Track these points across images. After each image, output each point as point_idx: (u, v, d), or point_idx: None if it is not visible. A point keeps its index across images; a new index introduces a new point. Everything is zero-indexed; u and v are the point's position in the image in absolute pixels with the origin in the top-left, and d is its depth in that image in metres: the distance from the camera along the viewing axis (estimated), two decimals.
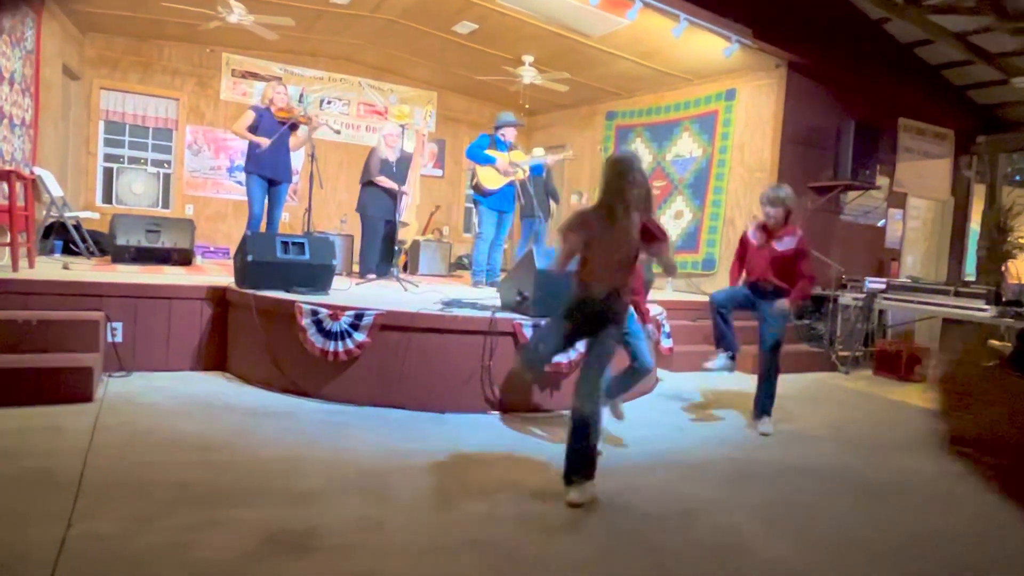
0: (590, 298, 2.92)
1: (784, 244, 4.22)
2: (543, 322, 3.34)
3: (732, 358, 4.49)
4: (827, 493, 3.27)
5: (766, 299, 4.29)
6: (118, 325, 4.48)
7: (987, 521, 3.07)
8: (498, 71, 8.40)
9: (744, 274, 4.46)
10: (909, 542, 2.77)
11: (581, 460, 2.87)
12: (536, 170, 7.12)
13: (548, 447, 3.67)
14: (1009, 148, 9.44)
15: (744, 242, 4.46)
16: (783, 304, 4.20)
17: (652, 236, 2.90)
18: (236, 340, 4.73)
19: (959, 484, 3.61)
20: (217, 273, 5.96)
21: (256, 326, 4.50)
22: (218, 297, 4.82)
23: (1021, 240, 9.59)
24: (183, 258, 6.70)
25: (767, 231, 4.30)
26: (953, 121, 8.76)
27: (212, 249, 8.60)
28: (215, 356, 4.79)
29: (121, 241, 6.41)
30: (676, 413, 4.70)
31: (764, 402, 4.36)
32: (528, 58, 8.15)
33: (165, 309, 4.66)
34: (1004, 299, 5.85)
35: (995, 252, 9.25)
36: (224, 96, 9.37)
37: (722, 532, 2.72)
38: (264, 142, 6.07)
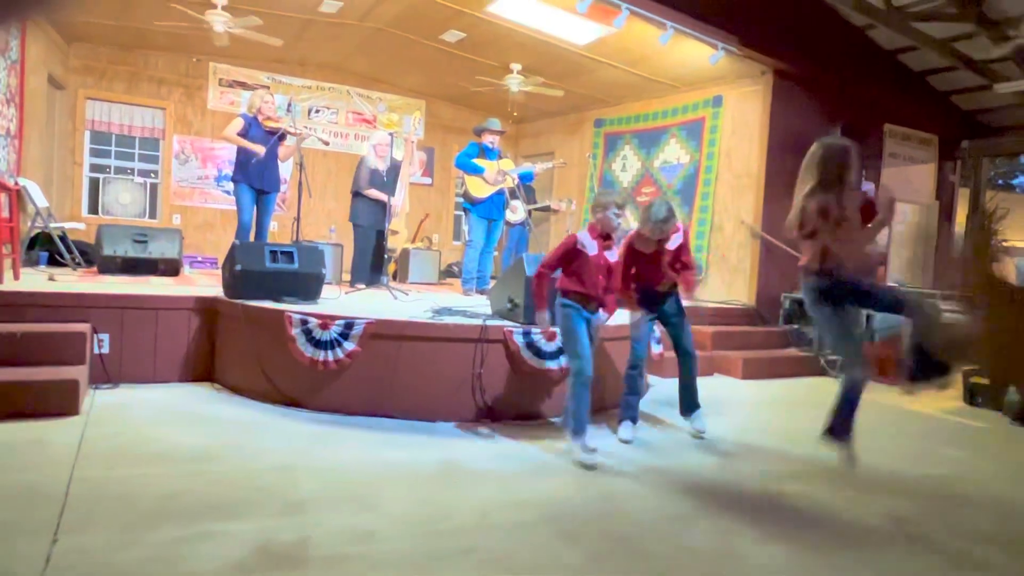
0: (842, 279, 3.18)
1: (674, 241, 4.08)
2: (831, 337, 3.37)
3: (635, 421, 4.21)
4: (819, 496, 3.27)
5: (665, 303, 4.19)
6: (105, 336, 4.44)
7: (982, 521, 3.09)
8: (486, 79, 8.43)
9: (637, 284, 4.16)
10: (903, 544, 2.78)
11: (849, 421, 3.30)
12: (526, 178, 7.14)
13: (539, 454, 3.66)
14: (992, 153, 9.56)
15: (633, 253, 4.08)
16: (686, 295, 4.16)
17: (870, 213, 3.23)
18: (225, 350, 4.69)
19: (956, 484, 3.63)
20: (205, 283, 5.93)
21: (245, 336, 4.47)
22: (206, 307, 4.79)
23: (1006, 243, 9.69)
24: (171, 268, 6.65)
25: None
26: (937, 126, 8.87)
27: (200, 259, 8.54)
28: (204, 367, 4.75)
29: (108, 251, 6.35)
30: (667, 419, 4.69)
31: (694, 399, 4.30)
32: (516, 66, 8.19)
33: (153, 320, 4.62)
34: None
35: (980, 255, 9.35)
36: (212, 105, 9.33)
37: (714, 537, 2.72)
38: (260, 150, 6.06)
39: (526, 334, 4.31)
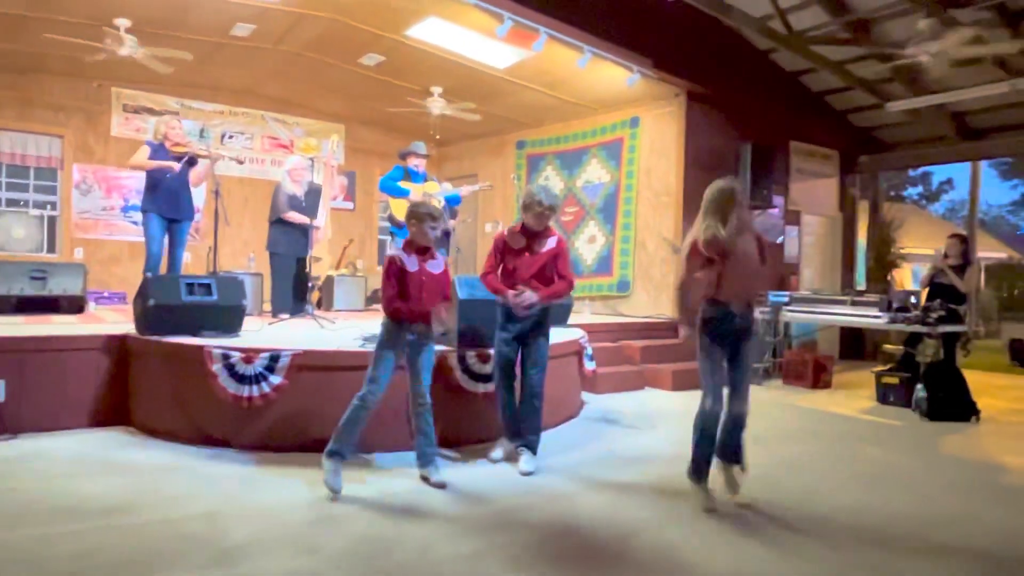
0: (731, 315, 3.23)
1: (547, 245, 3.86)
2: (700, 365, 3.29)
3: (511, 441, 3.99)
4: (758, 504, 3.34)
5: (526, 317, 3.82)
6: (0, 383, 4.06)
7: (927, 516, 3.23)
8: (407, 103, 8.37)
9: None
10: (845, 545, 2.86)
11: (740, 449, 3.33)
12: (453, 201, 7.10)
13: (479, 481, 3.59)
14: (886, 167, 10.27)
15: (504, 248, 3.91)
16: (531, 296, 3.70)
17: (767, 251, 3.30)
18: (140, 391, 4.39)
19: (874, 493, 3.79)
20: (114, 320, 5.56)
21: (161, 375, 4.21)
22: (117, 346, 4.48)
23: (903, 251, 10.42)
24: (74, 305, 6.20)
25: (529, 235, 3.88)
26: (837, 143, 9.43)
27: (107, 295, 8.03)
28: (116, 410, 4.42)
29: (1, 290, 5.87)
30: (605, 435, 4.73)
31: (532, 436, 3.87)
32: (437, 89, 8.17)
33: (56, 362, 4.27)
34: (894, 306, 6.27)
35: (881, 262, 9.99)
36: (116, 132, 8.85)
37: (661, 551, 2.72)
38: (174, 167, 5.76)
39: (461, 358, 4.25)
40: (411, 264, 3.48)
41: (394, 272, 3.45)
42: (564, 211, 9.18)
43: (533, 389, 3.86)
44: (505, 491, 3.43)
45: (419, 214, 3.50)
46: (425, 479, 3.49)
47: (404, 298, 3.44)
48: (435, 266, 3.56)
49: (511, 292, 3.76)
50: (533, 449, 3.85)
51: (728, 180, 3.29)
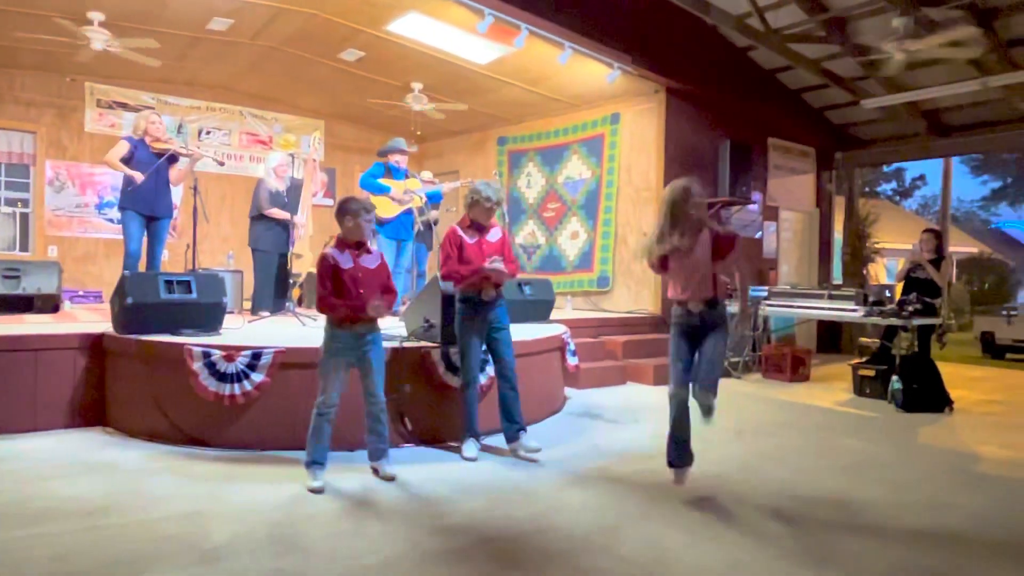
0: (689, 312, 3.33)
1: (495, 235, 4.04)
2: (670, 359, 3.40)
3: (478, 438, 4.10)
4: (742, 497, 3.38)
5: (491, 305, 4.01)
6: None
7: (902, 504, 3.29)
8: (387, 98, 8.33)
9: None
10: (825, 532, 2.91)
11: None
12: (434, 197, 7.08)
13: (463, 476, 3.59)
14: (862, 163, 10.41)
15: (459, 241, 3.99)
16: (501, 264, 3.89)
17: (722, 248, 3.27)
18: (117, 391, 4.33)
19: (851, 482, 3.85)
20: (90, 319, 5.47)
21: (140, 374, 4.15)
22: (94, 345, 4.41)
23: (877, 245, 10.59)
24: (48, 304, 6.10)
25: (479, 228, 4.02)
26: (814, 139, 9.56)
27: (82, 293, 7.90)
28: (93, 410, 4.36)
29: None
30: (588, 430, 4.75)
31: (519, 422, 4.02)
32: (417, 85, 8.14)
33: (31, 362, 4.19)
34: (870, 299, 6.37)
35: (857, 257, 10.14)
36: (89, 128, 8.69)
37: (647, 545, 2.75)
38: (138, 177, 5.63)
39: (444, 354, 4.25)
40: (345, 261, 3.42)
41: (326, 271, 3.40)
42: (546, 207, 9.21)
43: (513, 375, 4.04)
44: (489, 486, 3.43)
45: (353, 209, 3.45)
46: (375, 471, 3.52)
47: (340, 296, 3.38)
48: (370, 260, 3.52)
49: (489, 262, 3.88)
50: (525, 430, 4.02)
51: (683, 180, 3.31)
